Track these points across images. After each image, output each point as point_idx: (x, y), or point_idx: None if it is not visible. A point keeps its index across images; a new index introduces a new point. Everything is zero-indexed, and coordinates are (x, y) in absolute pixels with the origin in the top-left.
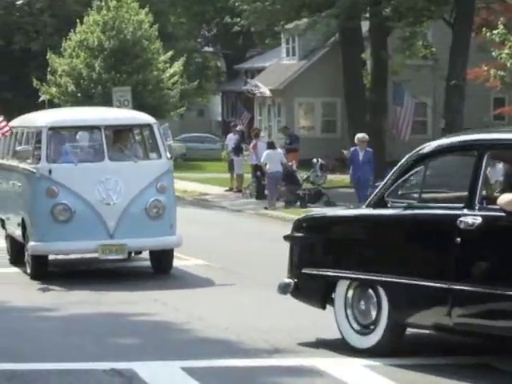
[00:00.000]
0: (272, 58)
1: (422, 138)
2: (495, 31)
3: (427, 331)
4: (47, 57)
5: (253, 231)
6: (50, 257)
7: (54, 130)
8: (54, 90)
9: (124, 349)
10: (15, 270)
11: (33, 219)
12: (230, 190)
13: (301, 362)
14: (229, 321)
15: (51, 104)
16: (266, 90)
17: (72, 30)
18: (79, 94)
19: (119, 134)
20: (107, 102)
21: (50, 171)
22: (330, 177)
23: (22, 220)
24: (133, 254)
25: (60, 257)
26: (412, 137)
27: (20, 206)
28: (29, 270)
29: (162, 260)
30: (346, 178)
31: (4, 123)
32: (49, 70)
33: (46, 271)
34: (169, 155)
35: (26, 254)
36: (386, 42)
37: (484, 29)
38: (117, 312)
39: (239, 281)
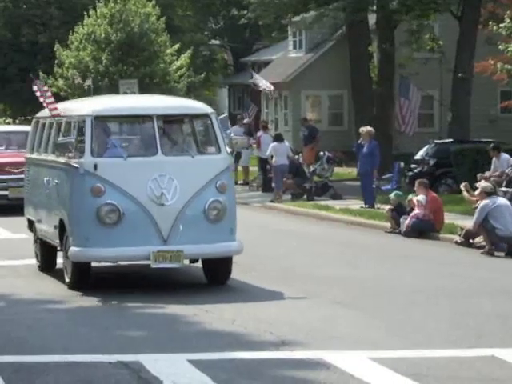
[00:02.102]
0: (279, 50)
1: (429, 131)
2: (502, 24)
3: (430, 322)
4: (54, 49)
5: (259, 224)
6: None
7: (100, 119)
8: (60, 82)
9: (131, 341)
10: (23, 262)
11: (75, 221)
12: (236, 183)
13: (307, 354)
14: (235, 313)
15: (58, 97)
16: (267, 85)
17: (79, 23)
18: (86, 87)
19: (173, 125)
20: (114, 94)
21: (95, 166)
22: (336, 169)
23: (61, 222)
24: (187, 263)
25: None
26: (418, 130)
27: (58, 206)
28: (67, 279)
29: (219, 269)
30: (352, 171)
31: (51, 103)
32: (56, 62)
33: (87, 280)
34: (229, 150)
35: (64, 260)
36: (392, 34)
37: (491, 22)
38: (123, 304)
39: (246, 273)
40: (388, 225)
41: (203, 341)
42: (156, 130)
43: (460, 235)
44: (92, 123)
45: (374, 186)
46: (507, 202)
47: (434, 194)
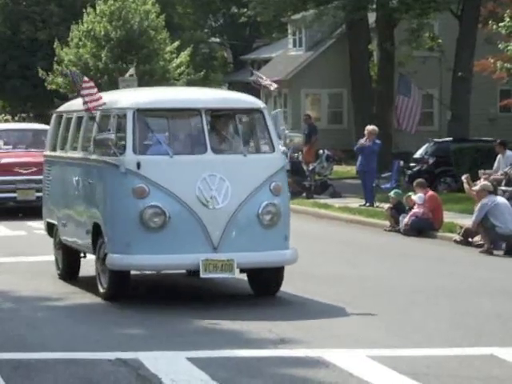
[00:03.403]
0: (278, 48)
1: (428, 129)
2: (502, 23)
3: (429, 322)
4: (54, 47)
5: None
6: None
7: (143, 112)
8: (60, 79)
9: (130, 339)
10: (22, 259)
11: (114, 226)
12: None
13: (307, 352)
14: (235, 312)
15: (58, 94)
16: (271, 84)
17: (79, 20)
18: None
19: (222, 120)
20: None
21: (138, 165)
22: (336, 168)
23: (95, 226)
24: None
25: None
26: (418, 128)
27: (92, 209)
28: (101, 289)
29: (269, 279)
30: (352, 169)
31: (91, 94)
32: (55, 59)
33: (126, 291)
34: (282, 148)
35: (98, 268)
36: (392, 33)
37: (491, 21)
38: (123, 302)
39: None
40: (387, 223)
41: (202, 339)
42: (205, 125)
43: (459, 234)
44: (134, 117)
45: (373, 184)
46: (506, 201)
47: (433, 193)
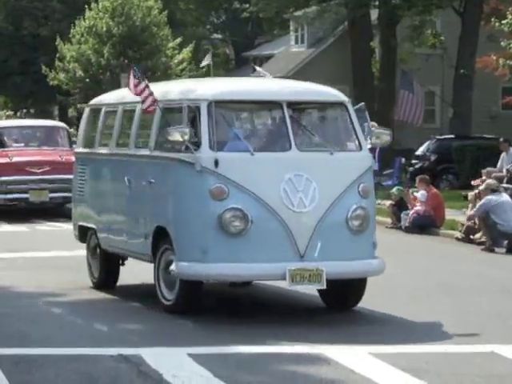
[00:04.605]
0: (280, 45)
1: (430, 127)
2: (504, 21)
3: (431, 319)
4: (56, 43)
5: None
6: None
7: (220, 104)
8: (62, 76)
9: (131, 335)
10: (22, 255)
11: (187, 230)
12: None
13: (308, 349)
14: (235, 308)
15: (60, 90)
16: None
17: (81, 16)
18: (87, 80)
19: (303, 114)
20: (115, 88)
21: (215, 162)
22: None
23: (158, 230)
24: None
25: None
26: (420, 125)
27: (153, 211)
28: (164, 301)
29: (349, 291)
30: None
31: (146, 92)
32: (57, 56)
33: (198, 302)
34: (369, 146)
35: (160, 276)
36: (394, 30)
37: (493, 18)
38: (125, 298)
39: None
40: (389, 220)
41: (203, 335)
42: (287, 119)
43: (461, 231)
44: (210, 109)
45: (375, 181)
46: (510, 199)
47: (436, 190)
